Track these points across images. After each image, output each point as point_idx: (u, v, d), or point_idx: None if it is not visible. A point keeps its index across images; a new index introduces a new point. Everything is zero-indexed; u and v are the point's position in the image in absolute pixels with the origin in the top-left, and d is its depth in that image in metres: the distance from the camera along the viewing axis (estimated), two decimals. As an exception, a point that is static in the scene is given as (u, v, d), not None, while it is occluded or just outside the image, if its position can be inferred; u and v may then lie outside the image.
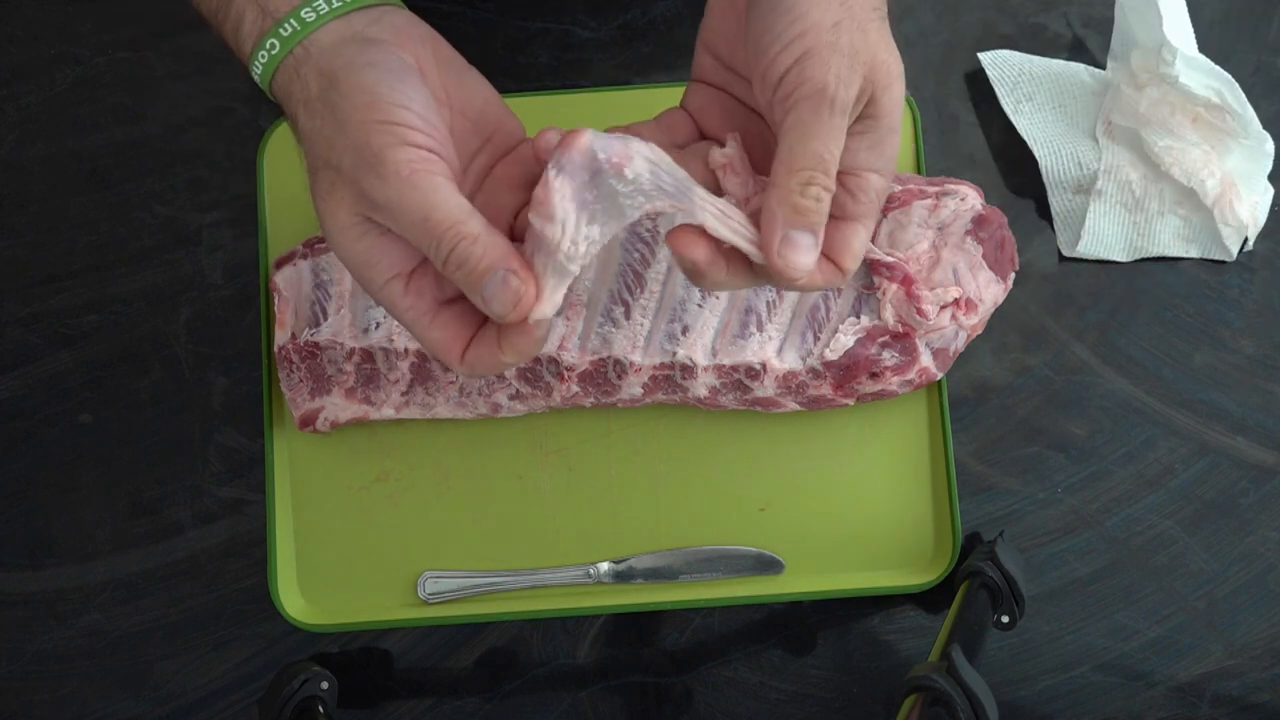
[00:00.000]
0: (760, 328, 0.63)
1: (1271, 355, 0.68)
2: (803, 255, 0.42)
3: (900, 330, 0.62)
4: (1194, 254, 0.68)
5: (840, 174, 0.43)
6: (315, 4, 0.45)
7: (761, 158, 0.46)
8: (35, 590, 0.65)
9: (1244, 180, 0.67)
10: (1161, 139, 0.66)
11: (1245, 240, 0.68)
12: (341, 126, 0.42)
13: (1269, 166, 0.67)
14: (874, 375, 0.62)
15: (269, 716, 0.60)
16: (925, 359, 0.62)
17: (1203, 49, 0.66)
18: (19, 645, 0.65)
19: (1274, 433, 0.67)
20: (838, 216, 0.44)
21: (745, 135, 0.47)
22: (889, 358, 0.62)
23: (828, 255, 0.44)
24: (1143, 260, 0.68)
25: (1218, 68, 0.65)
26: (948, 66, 0.70)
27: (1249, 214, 0.66)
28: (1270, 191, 0.68)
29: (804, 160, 0.42)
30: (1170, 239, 0.68)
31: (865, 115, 0.43)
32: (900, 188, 0.62)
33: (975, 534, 0.66)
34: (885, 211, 0.62)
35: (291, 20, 0.45)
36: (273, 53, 0.45)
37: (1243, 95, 0.65)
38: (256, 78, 0.46)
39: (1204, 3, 0.71)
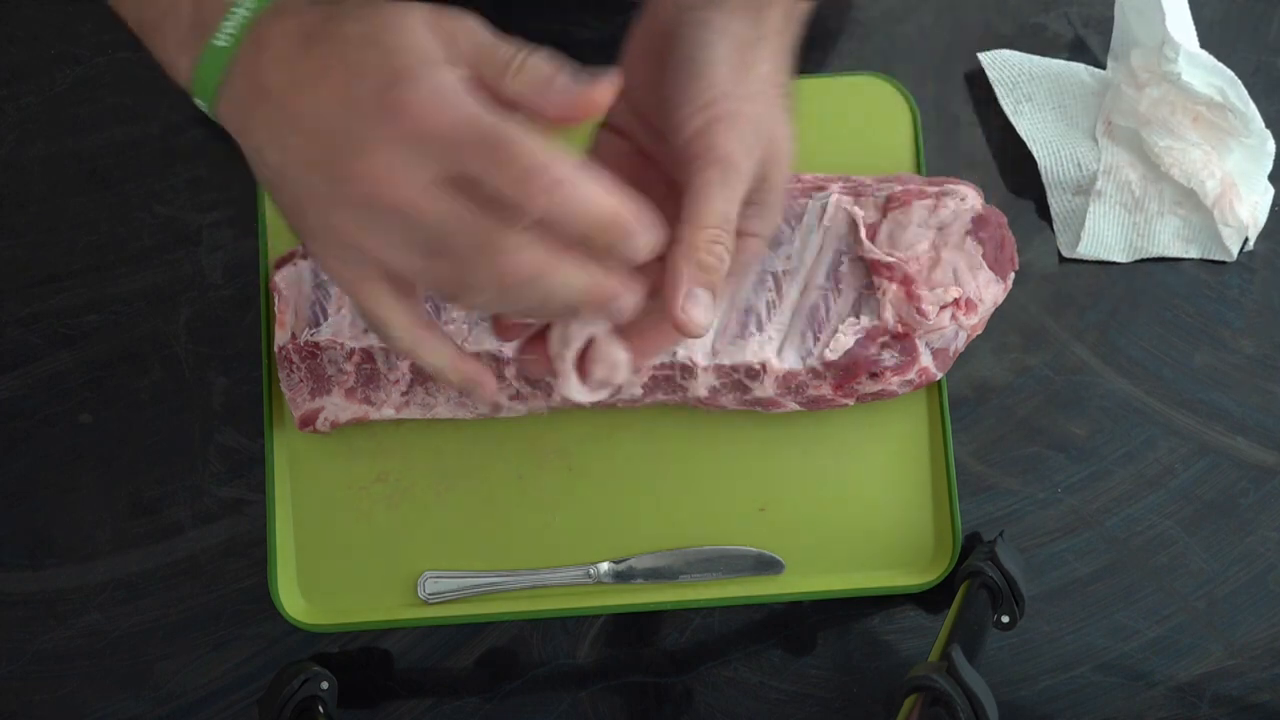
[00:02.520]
0: (760, 328, 0.63)
1: (1271, 355, 0.68)
2: (703, 312, 0.44)
3: (900, 330, 0.62)
4: (1194, 254, 0.68)
5: None
6: None
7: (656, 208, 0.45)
8: (35, 590, 0.65)
9: (1244, 180, 0.67)
10: (1162, 139, 0.66)
11: (1245, 240, 0.68)
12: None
13: (1269, 166, 0.67)
14: (874, 375, 0.62)
15: (269, 716, 0.60)
16: (925, 359, 0.62)
17: (1203, 49, 0.66)
18: (19, 645, 0.65)
19: (1274, 433, 0.67)
20: None
21: (639, 186, 0.44)
22: (889, 358, 0.62)
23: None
24: (1143, 260, 0.68)
25: (1220, 65, 0.65)
26: (948, 66, 0.70)
27: (1249, 214, 0.66)
28: (1270, 191, 0.68)
29: (710, 219, 0.44)
30: (1170, 239, 0.68)
31: (759, 186, 0.46)
32: (900, 188, 0.62)
33: (975, 534, 0.66)
34: (885, 211, 0.62)
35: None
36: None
37: (1245, 93, 0.65)
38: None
39: (1204, 3, 0.71)
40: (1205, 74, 0.65)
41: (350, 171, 0.40)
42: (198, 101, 0.44)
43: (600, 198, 0.40)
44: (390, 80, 0.39)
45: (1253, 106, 0.65)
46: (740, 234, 0.46)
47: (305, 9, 0.42)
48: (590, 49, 0.70)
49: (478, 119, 0.39)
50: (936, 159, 0.69)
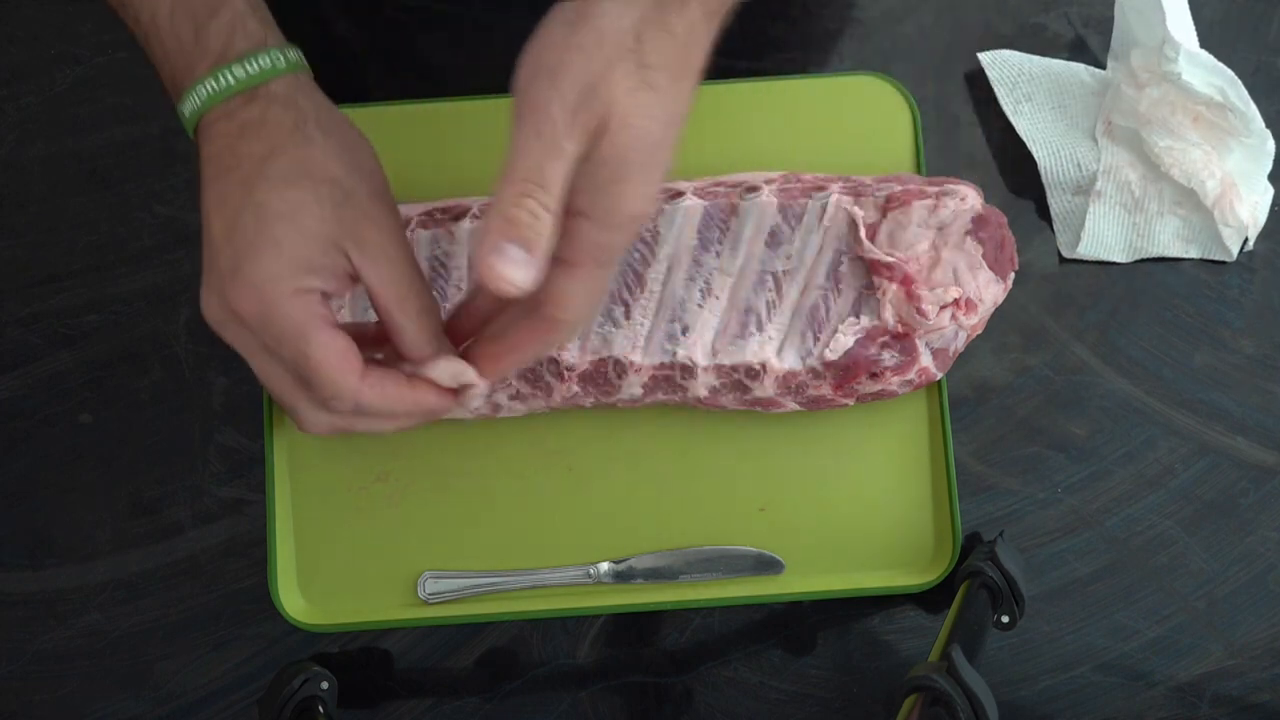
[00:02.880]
0: (760, 328, 0.63)
1: (1271, 355, 0.68)
2: (511, 267, 0.42)
3: (900, 330, 0.62)
4: (1194, 254, 0.68)
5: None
6: (205, 84, 0.47)
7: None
8: (35, 590, 0.65)
9: (1244, 180, 0.67)
10: (1162, 139, 0.66)
11: (1245, 240, 0.68)
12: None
13: (1269, 166, 0.67)
14: (874, 375, 0.62)
15: (269, 716, 0.60)
16: (925, 359, 0.62)
17: (1203, 49, 0.66)
18: (19, 645, 0.65)
19: (1274, 433, 0.67)
20: (555, 257, 0.44)
21: None
22: (889, 358, 0.62)
23: (539, 299, 0.45)
24: (1143, 260, 0.68)
25: (1220, 64, 0.65)
26: (948, 66, 0.70)
27: (1249, 214, 0.66)
28: (1270, 191, 0.68)
29: (521, 173, 0.42)
30: (1170, 239, 0.68)
31: (591, 156, 0.43)
32: (900, 188, 0.62)
33: (975, 534, 0.66)
34: (885, 211, 0.62)
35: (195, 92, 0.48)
36: (194, 105, 0.48)
37: (1245, 92, 0.65)
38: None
39: (1204, 3, 0.71)
40: (1205, 74, 0.65)
41: (210, 295, 0.47)
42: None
43: (392, 401, 0.48)
44: (240, 264, 0.45)
45: (1253, 106, 0.65)
46: (571, 211, 0.44)
47: (250, 114, 0.47)
48: (590, 49, 0.70)
49: (294, 341, 0.45)
50: (936, 159, 0.69)
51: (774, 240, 0.63)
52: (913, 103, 0.68)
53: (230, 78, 0.47)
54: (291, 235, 0.45)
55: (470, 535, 0.65)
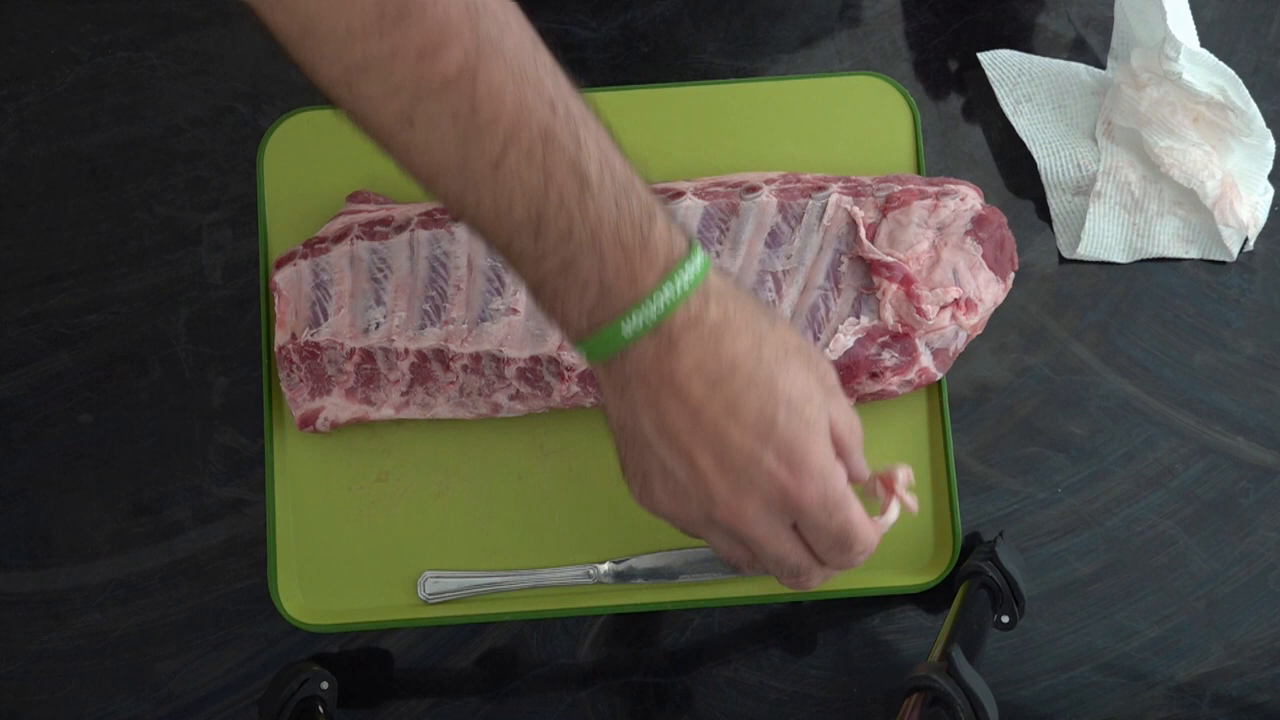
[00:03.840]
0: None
1: (1271, 355, 0.68)
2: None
3: (900, 330, 0.62)
4: (1194, 255, 0.68)
5: None
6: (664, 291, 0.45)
7: None
8: (35, 590, 0.65)
9: (1244, 180, 0.67)
10: (1162, 139, 0.66)
11: (1245, 240, 0.68)
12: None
13: (1269, 166, 0.67)
14: (874, 375, 0.62)
15: (269, 716, 0.60)
16: (925, 359, 0.62)
17: (1203, 48, 0.66)
18: (19, 645, 0.65)
19: (1274, 433, 0.67)
20: None
21: None
22: (889, 358, 0.62)
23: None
24: (1143, 260, 0.68)
25: (1221, 63, 0.65)
26: (948, 66, 0.70)
27: (1249, 214, 0.66)
28: (1270, 191, 0.68)
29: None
30: (1170, 240, 0.68)
31: None
32: (900, 188, 0.62)
33: (975, 534, 0.66)
34: (885, 211, 0.62)
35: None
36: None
37: (1246, 91, 0.65)
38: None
39: (1204, 3, 0.71)
40: (1207, 73, 0.65)
41: (726, 502, 0.47)
42: (577, 348, 0.48)
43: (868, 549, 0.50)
44: (796, 460, 0.46)
45: (1253, 105, 0.65)
46: None
47: (719, 322, 0.46)
48: (590, 49, 0.70)
49: (844, 510, 0.48)
50: (936, 159, 0.69)
51: (774, 240, 0.63)
52: (913, 103, 0.68)
53: (685, 279, 0.45)
54: (819, 417, 0.47)
55: (470, 535, 0.65)
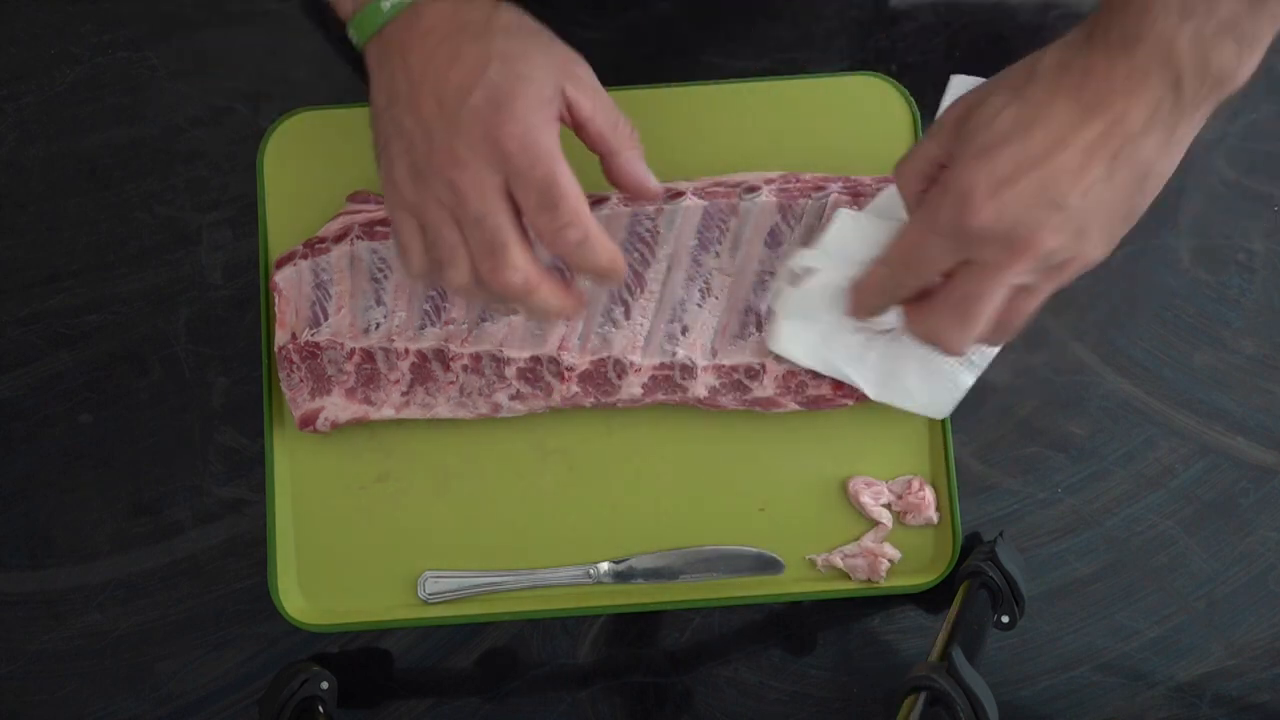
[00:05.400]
0: (760, 328, 0.63)
1: (1271, 355, 0.68)
2: None
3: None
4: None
5: None
6: None
7: None
8: (35, 590, 0.65)
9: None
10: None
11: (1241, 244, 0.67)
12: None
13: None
14: None
15: (269, 716, 0.60)
16: None
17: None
18: (19, 645, 0.65)
19: (1274, 433, 0.67)
20: None
21: None
22: None
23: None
24: (1143, 260, 0.68)
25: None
26: (948, 66, 0.70)
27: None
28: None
29: None
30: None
31: None
32: None
33: (975, 534, 0.66)
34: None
35: None
36: None
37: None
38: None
39: (1204, 3, 0.71)
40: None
41: (441, 145, 0.50)
42: (350, 33, 0.54)
43: (608, 252, 0.52)
44: (501, 100, 0.50)
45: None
46: None
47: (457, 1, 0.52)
48: (590, 49, 0.70)
49: (548, 162, 0.50)
50: (936, 159, 0.69)
51: (774, 240, 0.63)
52: (913, 103, 0.68)
53: None
54: (535, 75, 0.51)
55: (470, 535, 0.65)
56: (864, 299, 0.54)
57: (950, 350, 0.51)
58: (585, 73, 0.54)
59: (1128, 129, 0.46)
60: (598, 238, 0.51)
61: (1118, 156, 0.46)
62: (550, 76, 0.52)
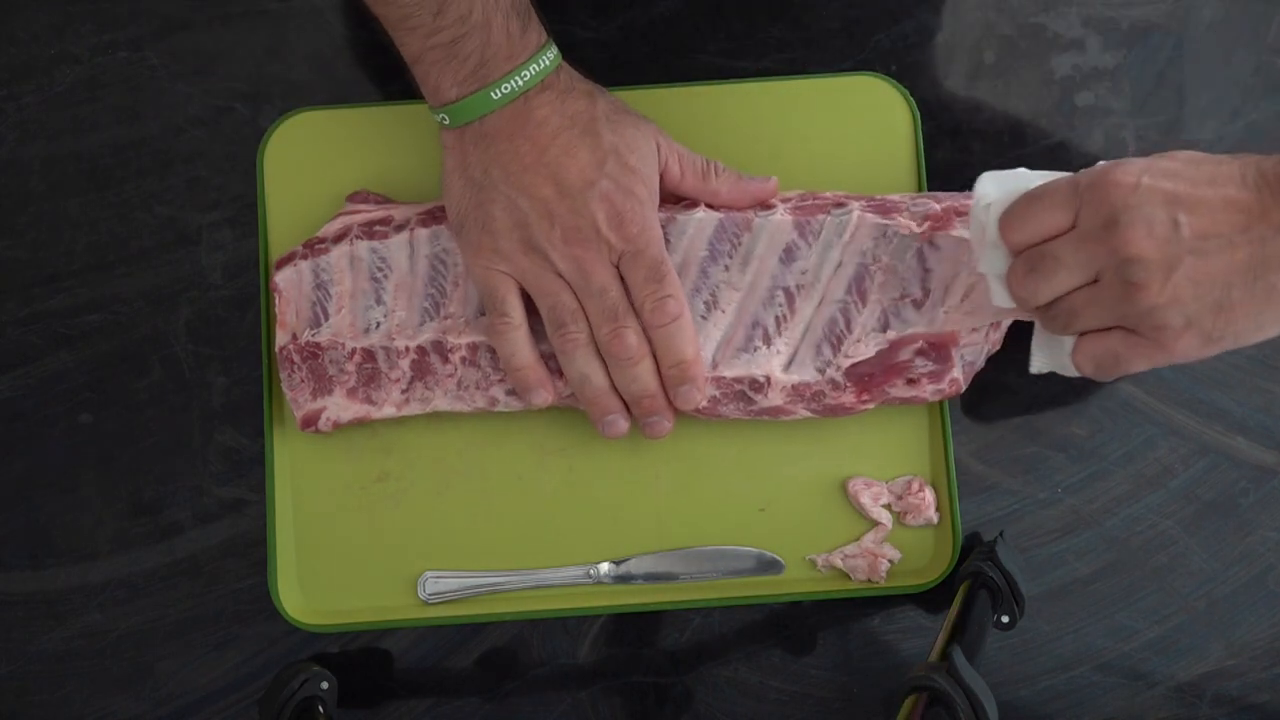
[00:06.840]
0: (768, 342, 0.62)
1: (1271, 355, 0.68)
2: None
3: (938, 339, 0.61)
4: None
5: None
6: (535, 63, 0.58)
7: None
8: (35, 590, 0.65)
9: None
10: None
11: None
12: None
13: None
14: (911, 381, 0.62)
15: (269, 716, 0.60)
16: (958, 370, 0.62)
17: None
18: (19, 645, 0.65)
19: (1274, 433, 0.67)
20: None
21: None
22: (921, 364, 0.62)
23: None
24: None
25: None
26: (948, 66, 0.70)
27: None
28: None
29: None
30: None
31: None
32: (939, 206, 0.61)
33: (975, 534, 0.66)
34: (926, 237, 0.61)
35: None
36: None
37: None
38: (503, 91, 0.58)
39: (1204, 3, 0.71)
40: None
41: (566, 225, 0.58)
42: (437, 116, 0.59)
43: (692, 346, 0.60)
44: (619, 193, 0.58)
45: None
46: None
47: (565, 90, 0.59)
48: (590, 49, 0.70)
49: (659, 244, 0.59)
50: (937, 159, 0.69)
51: (788, 256, 0.62)
52: (913, 103, 0.68)
53: (548, 59, 0.58)
54: (643, 167, 0.59)
55: (470, 535, 0.65)
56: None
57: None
58: (665, 140, 0.61)
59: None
60: (688, 321, 0.60)
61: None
62: (651, 164, 0.60)
